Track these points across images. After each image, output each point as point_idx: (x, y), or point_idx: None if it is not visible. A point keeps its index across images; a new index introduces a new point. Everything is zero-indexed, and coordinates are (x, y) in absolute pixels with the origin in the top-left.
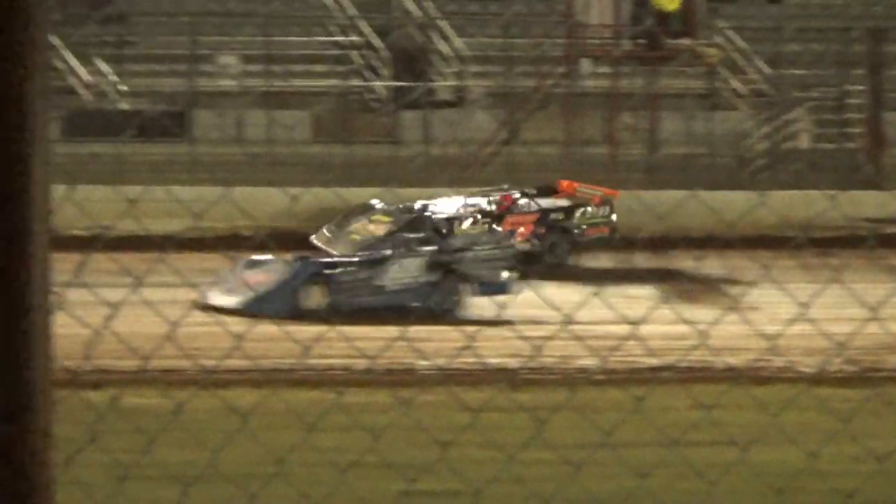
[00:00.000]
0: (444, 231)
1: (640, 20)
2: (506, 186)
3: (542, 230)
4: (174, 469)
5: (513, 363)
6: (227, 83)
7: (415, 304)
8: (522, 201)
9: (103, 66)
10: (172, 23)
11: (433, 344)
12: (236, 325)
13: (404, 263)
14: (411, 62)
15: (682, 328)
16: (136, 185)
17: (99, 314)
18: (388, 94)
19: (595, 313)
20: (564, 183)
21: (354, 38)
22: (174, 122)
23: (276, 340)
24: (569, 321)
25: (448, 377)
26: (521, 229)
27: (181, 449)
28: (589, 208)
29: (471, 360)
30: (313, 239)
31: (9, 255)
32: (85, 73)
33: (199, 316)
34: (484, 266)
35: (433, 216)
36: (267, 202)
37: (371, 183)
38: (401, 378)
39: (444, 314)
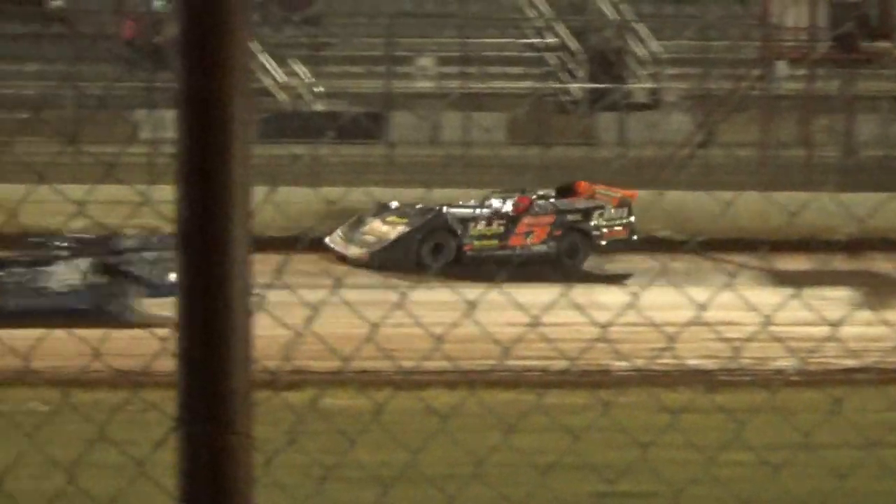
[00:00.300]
0: (459, 232)
1: (838, 23)
2: (524, 188)
3: (559, 232)
4: (373, 470)
5: (709, 364)
6: (424, 85)
7: (81, 307)
8: (540, 203)
9: (299, 68)
10: (369, 24)
11: (629, 345)
12: (436, 326)
13: (71, 264)
14: (607, 64)
15: (880, 329)
16: (333, 186)
17: (299, 315)
18: (584, 96)
19: (792, 315)
20: (583, 184)
21: (550, 40)
22: (373, 124)
23: (474, 342)
24: (768, 322)
25: (645, 378)
26: (537, 231)
27: (379, 450)
28: (607, 210)
29: (668, 361)
30: (327, 241)
31: (210, 256)
32: (281, 74)
33: (398, 317)
34: (152, 268)
35: (448, 217)
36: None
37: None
38: (597, 379)
39: (114, 317)
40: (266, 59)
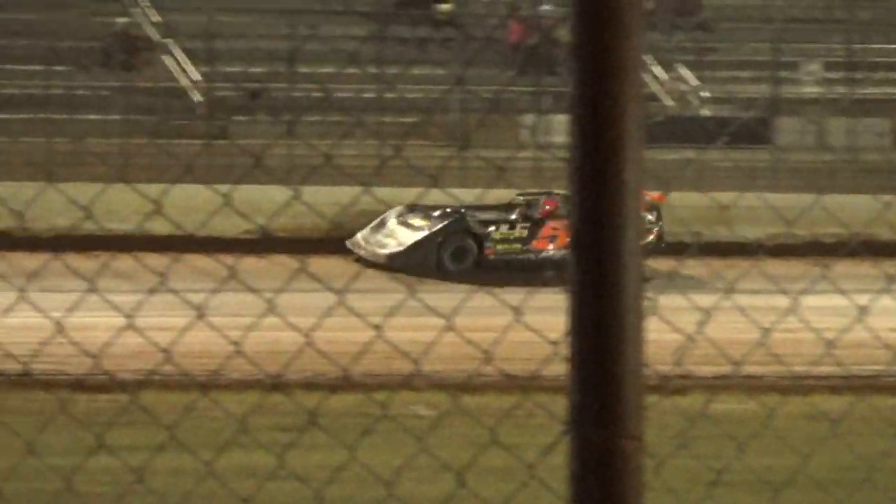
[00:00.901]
0: (481, 235)
1: None
2: (550, 190)
3: None
4: (761, 475)
5: None
6: (810, 90)
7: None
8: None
9: (685, 72)
10: (757, 29)
11: None
12: (828, 332)
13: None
14: None
15: None
16: (722, 191)
17: (688, 319)
18: None
19: None
20: None
21: None
22: (759, 129)
23: (864, 347)
24: None
25: None
26: (562, 235)
27: (767, 454)
28: None
29: None
30: (348, 243)
31: (603, 259)
32: (668, 78)
33: (790, 322)
34: None
35: (470, 220)
36: (852, 208)
37: None
38: None
39: None
40: (654, 64)
